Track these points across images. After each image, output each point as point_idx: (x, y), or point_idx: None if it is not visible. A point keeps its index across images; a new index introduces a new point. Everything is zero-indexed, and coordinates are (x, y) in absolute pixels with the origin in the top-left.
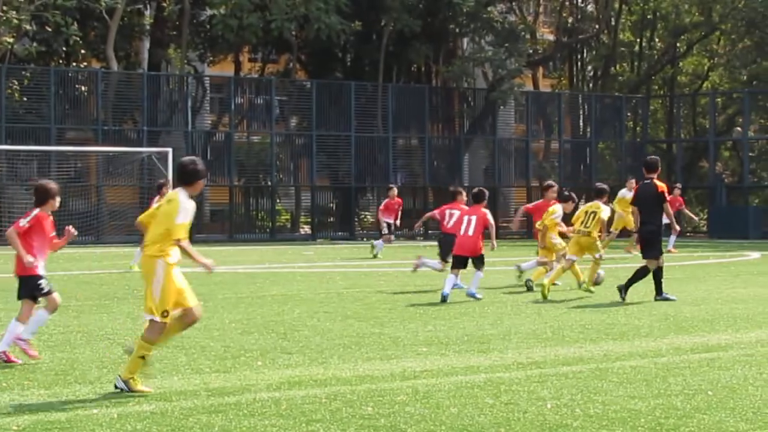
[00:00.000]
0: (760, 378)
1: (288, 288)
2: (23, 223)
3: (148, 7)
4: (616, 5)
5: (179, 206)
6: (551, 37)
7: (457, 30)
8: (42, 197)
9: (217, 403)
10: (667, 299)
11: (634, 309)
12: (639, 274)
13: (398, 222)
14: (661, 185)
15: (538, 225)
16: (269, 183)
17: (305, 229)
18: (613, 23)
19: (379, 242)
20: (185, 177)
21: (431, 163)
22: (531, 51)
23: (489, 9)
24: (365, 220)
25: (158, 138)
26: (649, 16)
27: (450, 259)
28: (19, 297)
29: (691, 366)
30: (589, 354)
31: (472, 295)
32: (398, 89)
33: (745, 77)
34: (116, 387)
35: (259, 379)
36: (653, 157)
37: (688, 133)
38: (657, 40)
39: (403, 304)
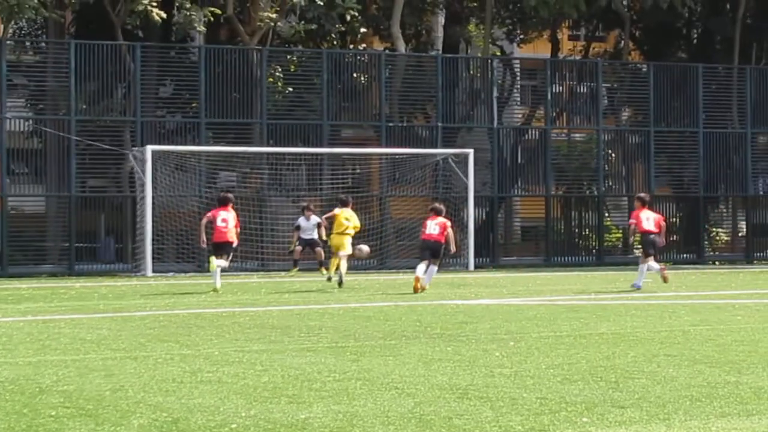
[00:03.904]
0: None
1: (619, 325)
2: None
3: None
4: None
5: None
6: None
7: None
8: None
9: None
10: None
11: None
12: None
13: None
14: None
15: None
16: (595, 193)
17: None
18: None
19: None
20: None
21: None
22: None
23: None
24: (717, 238)
25: (456, 136)
26: None
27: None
28: None
29: None
30: None
31: None
32: (759, 73)
33: None
34: None
35: None
36: None
37: None
38: None
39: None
